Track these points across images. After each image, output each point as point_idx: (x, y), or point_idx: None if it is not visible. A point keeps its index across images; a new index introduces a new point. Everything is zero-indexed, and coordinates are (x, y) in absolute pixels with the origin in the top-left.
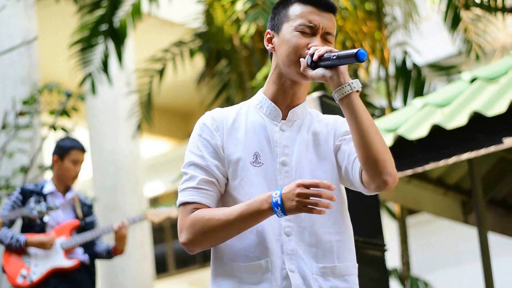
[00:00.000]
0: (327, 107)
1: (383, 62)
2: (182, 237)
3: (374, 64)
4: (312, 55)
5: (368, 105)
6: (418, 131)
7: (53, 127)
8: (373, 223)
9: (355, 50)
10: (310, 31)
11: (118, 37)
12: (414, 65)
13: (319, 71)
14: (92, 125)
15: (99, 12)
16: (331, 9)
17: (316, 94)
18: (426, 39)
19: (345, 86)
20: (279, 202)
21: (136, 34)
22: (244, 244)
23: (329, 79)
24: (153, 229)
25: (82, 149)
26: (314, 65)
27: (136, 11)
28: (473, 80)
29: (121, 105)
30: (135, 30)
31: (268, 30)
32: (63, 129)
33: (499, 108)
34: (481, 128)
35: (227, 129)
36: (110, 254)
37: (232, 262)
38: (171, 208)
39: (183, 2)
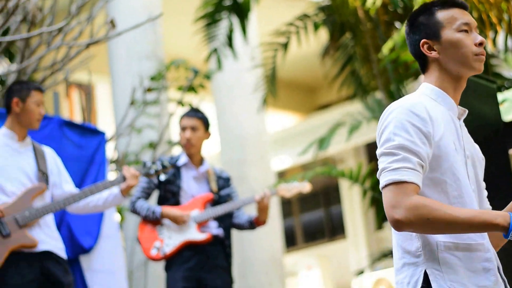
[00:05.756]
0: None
1: (510, 32)
2: (399, 214)
3: (501, 35)
4: None
5: (497, 76)
6: None
7: (181, 103)
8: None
9: None
10: (468, 28)
11: (242, 11)
12: None
13: None
14: (218, 99)
15: None
16: (467, 7)
17: None
18: None
19: None
20: None
21: (260, 8)
22: None
23: None
24: (281, 203)
25: (187, 115)
26: None
27: None
28: None
29: (246, 80)
30: (258, 4)
31: (424, 40)
32: (190, 105)
33: None
34: None
35: (430, 118)
36: (252, 224)
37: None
38: (302, 183)
39: None
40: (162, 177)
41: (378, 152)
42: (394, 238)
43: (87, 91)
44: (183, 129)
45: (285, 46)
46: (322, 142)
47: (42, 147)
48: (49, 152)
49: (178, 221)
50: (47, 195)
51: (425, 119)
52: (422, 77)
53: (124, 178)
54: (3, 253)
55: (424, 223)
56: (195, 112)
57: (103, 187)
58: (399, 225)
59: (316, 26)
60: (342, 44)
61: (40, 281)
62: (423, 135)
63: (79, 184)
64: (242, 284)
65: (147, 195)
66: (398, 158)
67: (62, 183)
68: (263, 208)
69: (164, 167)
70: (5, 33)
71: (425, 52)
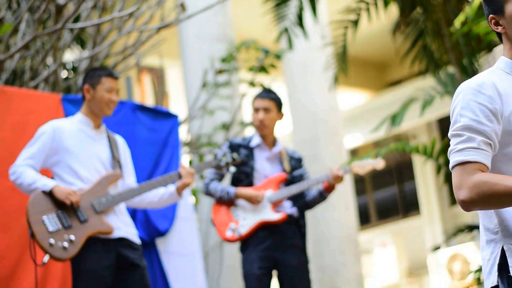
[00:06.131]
0: None
1: None
2: (462, 194)
3: None
4: None
5: None
6: None
7: (252, 84)
8: None
9: None
10: None
11: None
12: None
13: None
14: (289, 79)
15: None
16: None
17: None
18: None
19: None
20: None
21: None
22: None
23: None
24: (354, 180)
25: (260, 96)
26: None
27: None
28: None
29: (317, 58)
30: None
31: (491, 16)
32: (262, 85)
33: None
34: None
35: (499, 94)
36: (322, 194)
37: None
38: (376, 160)
39: None
40: (232, 169)
41: (449, 134)
42: (479, 216)
43: (158, 75)
44: (256, 110)
45: (355, 23)
46: (395, 118)
47: (115, 136)
48: (121, 142)
49: (253, 201)
50: (120, 183)
51: (491, 96)
52: (495, 49)
53: (180, 176)
54: (80, 239)
55: (487, 200)
56: (267, 93)
57: (160, 183)
58: (465, 205)
59: (386, 2)
60: (413, 19)
61: (116, 266)
62: (490, 112)
63: (153, 167)
64: (317, 263)
65: (220, 176)
66: (463, 139)
67: (126, 175)
68: (337, 179)
69: (233, 159)
70: (76, 20)
71: (493, 27)
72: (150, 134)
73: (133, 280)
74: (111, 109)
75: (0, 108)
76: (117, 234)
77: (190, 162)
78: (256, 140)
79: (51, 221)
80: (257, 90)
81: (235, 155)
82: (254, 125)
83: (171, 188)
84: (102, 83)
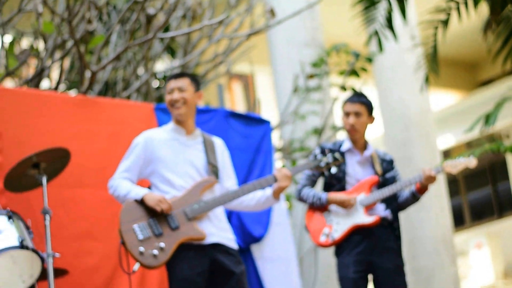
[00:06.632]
0: None
1: None
2: None
3: None
4: None
5: None
6: None
7: (343, 88)
8: None
9: None
10: None
11: None
12: None
13: None
14: (380, 81)
15: None
16: None
17: None
18: None
19: None
20: None
21: None
22: None
23: None
24: (448, 182)
25: (351, 101)
26: None
27: None
28: None
29: (407, 60)
30: None
31: None
32: (353, 89)
33: None
34: None
35: None
36: (415, 195)
37: None
38: (469, 158)
39: None
40: (334, 170)
41: None
42: None
43: (249, 81)
44: (347, 114)
45: (446, 23)
46: (489, 118)
47: (212, 139)
48: (219, 144)
49: (345, 205)
50: (217, 188)
51: None
52: None
53: (275, 179)
54: (171, 246)
55: None
56: (358, 97)
57: (255, 187)
58: None
59: (476, 0)
60: (504, 16)
61: (210, 273)
62: None
63: (246, 174)
64: (412, 265)
65: (312, 182)
66: None
67: (224, 178)
68: (429, 179)
69: (335, 159)
70: (166, 29)
71: None
72: (243, 141)
73: (229, 287)
74: (176, 108)
75: (94, 119)
76: (210, 240)
77: None
78: (347, 145)
79: (141, 229)
80: (348, 94)
81: (337, 154)
82: (345, 129)
83: (268, 191)
84: (166, 89)
